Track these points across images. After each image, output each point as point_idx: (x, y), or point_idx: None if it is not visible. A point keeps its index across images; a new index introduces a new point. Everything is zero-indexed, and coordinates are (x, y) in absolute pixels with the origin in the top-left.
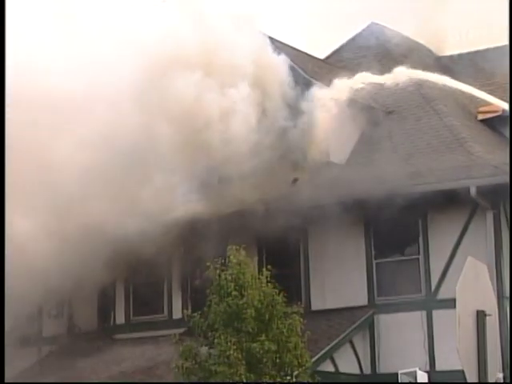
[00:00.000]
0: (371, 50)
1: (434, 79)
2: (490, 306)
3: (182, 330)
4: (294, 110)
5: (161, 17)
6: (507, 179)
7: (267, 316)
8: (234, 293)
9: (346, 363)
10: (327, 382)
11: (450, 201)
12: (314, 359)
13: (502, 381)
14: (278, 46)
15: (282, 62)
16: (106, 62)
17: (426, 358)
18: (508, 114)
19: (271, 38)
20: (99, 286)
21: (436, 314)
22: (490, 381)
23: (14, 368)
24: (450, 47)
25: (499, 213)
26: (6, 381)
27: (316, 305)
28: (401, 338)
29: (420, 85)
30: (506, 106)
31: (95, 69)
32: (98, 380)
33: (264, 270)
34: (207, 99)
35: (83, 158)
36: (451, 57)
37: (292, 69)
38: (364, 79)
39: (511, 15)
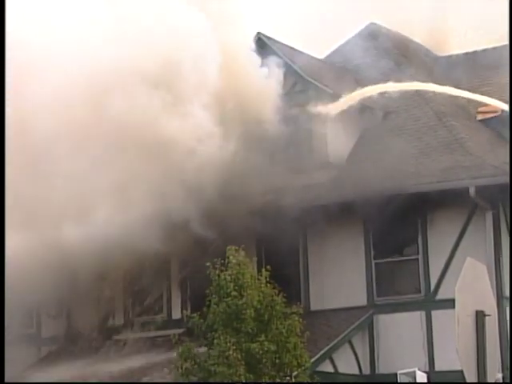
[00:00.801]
0: (370, 51)
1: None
2: (490, 306)
3: (181, 331)
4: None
5: (113, 20)
6: (507, 179)
7: (266, 316)
8: (233, 293)
9: (345, 363)
10: (326, 382)
11: (449, 201)
12: (313, 359)
13: (501, 381)
14: (277, 46)
15: (264, 75)
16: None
17: (426, 359)
18: (507, 114)
19: (269, 38)
20: (97, 287)
21: (435, 314)
22: (489, 380)
23: (14, 368)
24: (449, 47)
25: (498, 213)
26: (6, 381)
27: (315, 305)
28: (400, 339)
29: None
30: (505, 106)
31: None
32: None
33: (263, 270)
34: (166, 121)
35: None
36: (450, 57)
37: (290, 69)
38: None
39: (511, 15)
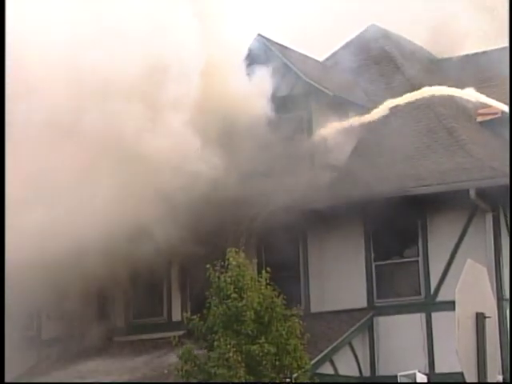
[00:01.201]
0: (370, 53)
1: (459, 94)
2: (490, 308)
3: (181, 333)
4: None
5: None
6: (507, 181)
7: (267, 318)
8: (233, 295)
9: (346, 366)
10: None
11: (449, 203)
12: (313, 362)
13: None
14: (276, 48)
15: (254, 81)
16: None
17: (426, 361)
18: (507, 115)
19: (269, 40)
20: (98, 288)
21: (435, 316)
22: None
23: (14, 371)
24: (450, 49)
25: (498, 215)
26: (6, 381)
27: (315, 307)
28: (400, 341)
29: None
30: (505, 107)
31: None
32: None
33: (263, 272)
34: (146, 135)
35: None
36: (450, 59)
37: (290, 71)
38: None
39: (511, 15)
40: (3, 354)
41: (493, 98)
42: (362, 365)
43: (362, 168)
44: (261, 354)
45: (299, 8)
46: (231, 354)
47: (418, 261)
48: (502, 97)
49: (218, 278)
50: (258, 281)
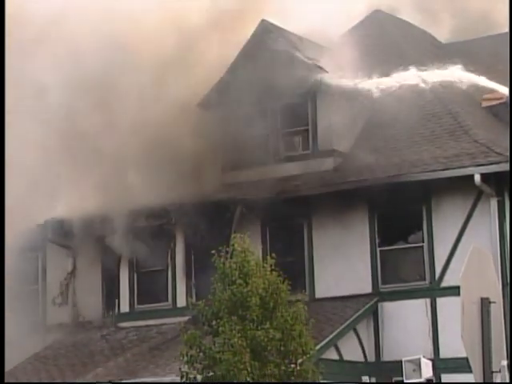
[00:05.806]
0: (375, 38)
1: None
2: (495, 293)
3: (186, 318)
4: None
5: None
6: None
7: (272, 304)
8: (238, 281)
9: (351, 351)
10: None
11: (454, 188)
12: (318, 347)
13: (506, 368)
14: (281, 33)
15: None
16: None
17: (430, 346)
18: None
19: (273, 25)
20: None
21: (440, 301)
22: (494, 368)
23: (19, 356)
24: (454, 34)
25: (503, 200)
26: (7, 379)
27: (320, 293)
28: (405, 326)
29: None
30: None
31: None
32: (103, 369)
33: (268, 257)
34: None
35: None
36: (455, 44)
37: (294, 56)
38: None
39: (511, 12)
40: (3, 354)
41: (496, 82)
42: (366, 350)
43: (367, 153)
44: (266, 339)
45: None
46: (236, 340)
47: (422, 246)
48: (506, 81)
49: (223, 263)
50: (263, 266)
